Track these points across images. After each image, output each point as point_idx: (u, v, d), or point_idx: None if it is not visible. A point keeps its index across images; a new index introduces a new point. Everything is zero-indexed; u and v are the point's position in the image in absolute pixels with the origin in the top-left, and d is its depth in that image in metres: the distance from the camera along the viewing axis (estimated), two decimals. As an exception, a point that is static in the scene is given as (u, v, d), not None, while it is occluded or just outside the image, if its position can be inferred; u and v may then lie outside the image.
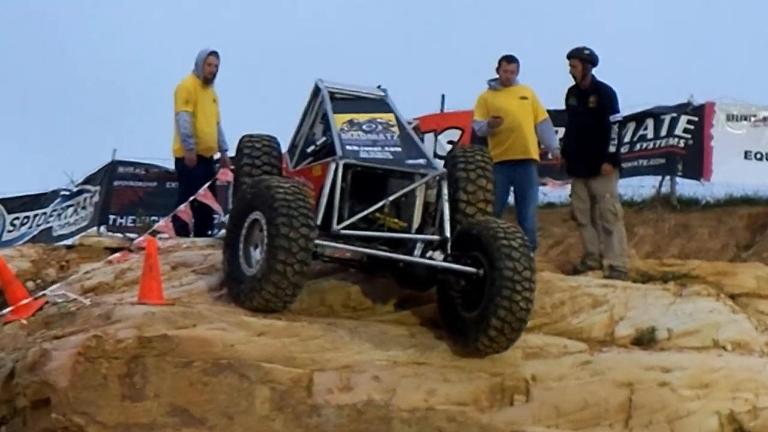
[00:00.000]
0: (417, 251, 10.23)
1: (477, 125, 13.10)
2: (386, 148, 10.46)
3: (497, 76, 12.96)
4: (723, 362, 10.77)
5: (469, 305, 10.14)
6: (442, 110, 18.14)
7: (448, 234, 10.28)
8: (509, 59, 12.90)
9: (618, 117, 12.39)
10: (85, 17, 32.91)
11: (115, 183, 18.91)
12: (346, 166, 10.20)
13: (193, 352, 9.54)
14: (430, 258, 10.17)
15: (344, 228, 10.12)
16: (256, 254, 10.07)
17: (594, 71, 12.50)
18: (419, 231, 10.42)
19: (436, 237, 10.30)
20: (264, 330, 9.84)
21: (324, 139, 10.73)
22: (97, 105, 30.42)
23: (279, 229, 9.72)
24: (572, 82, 12.66)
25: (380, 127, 10.66)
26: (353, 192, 10.24)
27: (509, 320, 9.86)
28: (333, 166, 10.17)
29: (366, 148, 10.39)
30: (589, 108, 12.36)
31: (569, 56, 12.45)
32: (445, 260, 10.17)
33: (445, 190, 10.41)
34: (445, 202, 10.38)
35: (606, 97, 12.34)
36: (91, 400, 9.37)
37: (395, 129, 10.72)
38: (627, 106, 12.43)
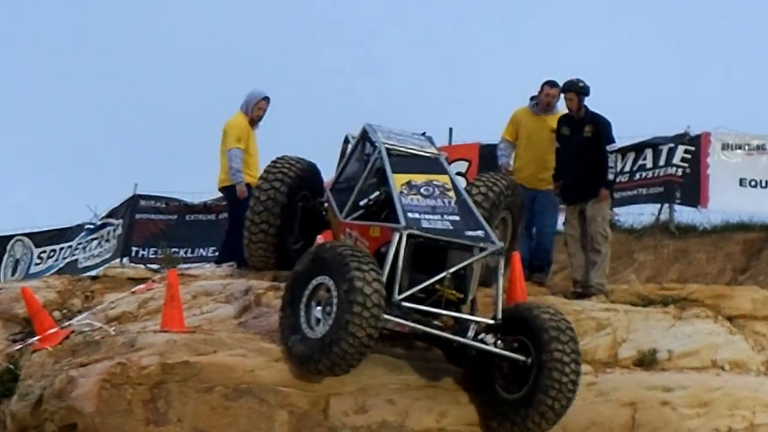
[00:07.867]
0: (470, 332, 10.09)
1: (500, 149, 13.18)
2: (445, 217, 10.30)
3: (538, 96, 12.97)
4: (721, 381, 10.95)
5: (510, 387, 10.09)
6: (450, 143, 18.30)
7: (500, 316, 10.14)
8: (551, 83, 12.91)
9: (615, 146, 12.51)
10: (109, 53, 33.14)
11: (137, 216, 19.13)
12: (409, 236, 10.00)
13: (214, 378, 9.71)
14: (482, 341, 10.07)
15: (404, 299, 9.89)
16: (318, 317, 9.84)
17: (591, 102, 12.56)
18: (473, 302, 10.34)
19: (491, 321, 10.15)
20: (282, 356, 9.93)
21: (378, 193, 10.69)
22: (119, 141, 30.72)
23: (354, 298, 9.48)
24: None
25: (437, 192, 10.53)
26: (413, 261, 10.01)
27: (558, 397, 9.85)
28: (396, 236, 9.95)
29: (426, 216, 10.23)
30: (584, 137, 12.45)
31: (565, 90, 12.53)
32: (495, 344, 10.08)
33: (501, 266, 10.25)
34: (500, 279, 10.21)
35: (602, 127, 12.43)
36: (117, 424, 9.58)
37: (451, 194, 10.58)
38: (627, 137, 12.64)
